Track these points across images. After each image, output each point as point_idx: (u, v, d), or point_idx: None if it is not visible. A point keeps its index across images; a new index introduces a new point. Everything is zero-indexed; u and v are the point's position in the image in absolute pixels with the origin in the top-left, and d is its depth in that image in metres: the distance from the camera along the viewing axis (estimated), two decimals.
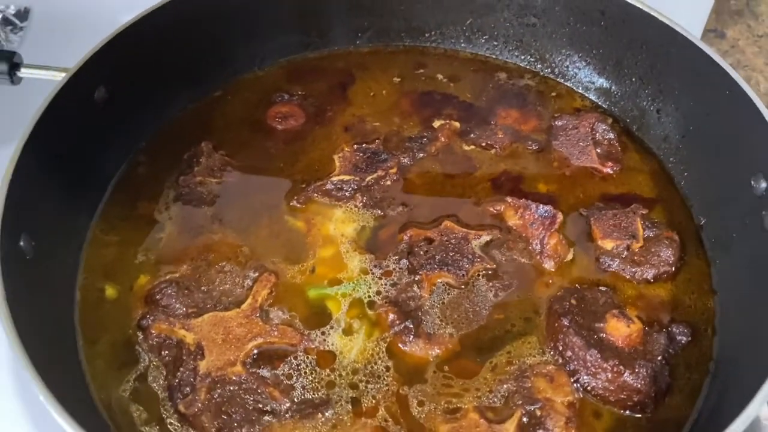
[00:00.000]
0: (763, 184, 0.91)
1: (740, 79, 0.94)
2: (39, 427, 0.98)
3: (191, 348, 0.91)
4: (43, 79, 1.04)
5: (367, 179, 1.11)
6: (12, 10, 1.57)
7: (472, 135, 1.18)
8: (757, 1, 1.72)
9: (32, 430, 0.98)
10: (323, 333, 0.94)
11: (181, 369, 0.90)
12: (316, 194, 1.09)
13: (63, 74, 1.01)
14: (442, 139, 1.18)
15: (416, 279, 0.99)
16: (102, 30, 1.07)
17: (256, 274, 0.99)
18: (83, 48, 1.03)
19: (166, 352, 0.92)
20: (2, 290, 0.79)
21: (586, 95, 1.24)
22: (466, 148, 1.17)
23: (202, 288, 0.98)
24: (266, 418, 0.86)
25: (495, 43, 1.30)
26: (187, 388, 0.88)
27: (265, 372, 0.90)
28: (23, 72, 1.04)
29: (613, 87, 1.20)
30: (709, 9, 1.44)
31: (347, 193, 1.09)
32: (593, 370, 0.88)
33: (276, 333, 0.93)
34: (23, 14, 1.57)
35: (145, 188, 1.11)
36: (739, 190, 0.95)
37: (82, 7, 1.50)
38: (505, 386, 0.88)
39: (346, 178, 1.11)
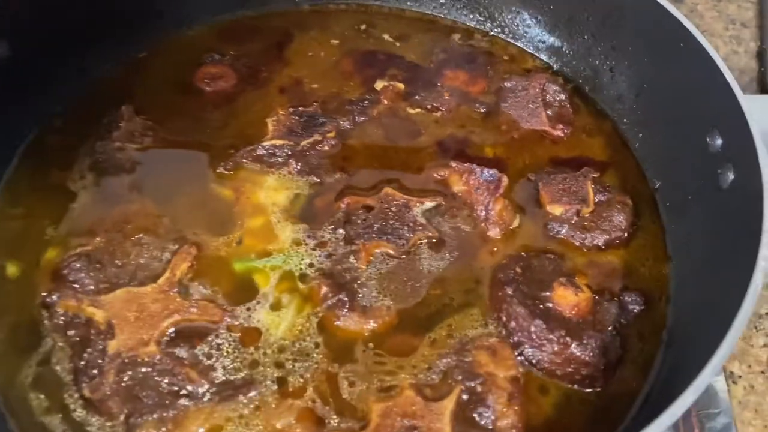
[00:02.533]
0: (719, 141, 0.85)
1: (695, 29, 0.88)
2: None
3: (101, 327, 0.83)
4: None
5: (303, 144, 1.02)
6: None
7: (417, 97, 1.10)
8: None
9: None
10: (248, 309, 0.86)
11: (89, 350, 0.82)
12: (245, 160, 1.01)
13: None
14: (385, 102, 1.10)
15: (353, 249, 0.91)
16: None
17: (176, 247, 0.90)
18: None
19: (73, 331, 0.84)
20: None
21: (537, 55, 1.17)
22: (411, 111, 1.09)
23: (116, 262, 0.89)
24: (182, 401, 0.78)
25: (442, 1, 1.22)
26: (94, 371, 0.80)
27: (182, 352, 0.82)
28: None
29: (564, 45, 1.14)
30: None
31: (280, 159, 1.01)
32: (538, 341, 0.81)
33: (195, 309, 0.85)
34: None
35: (58, 156, 1.01)
36: (695, 149, 0.89)
37: None
38: (444, 361, 0.81)
39: (279, 142, 1.02)
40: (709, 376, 0.63)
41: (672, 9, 0.92)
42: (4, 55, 0.96)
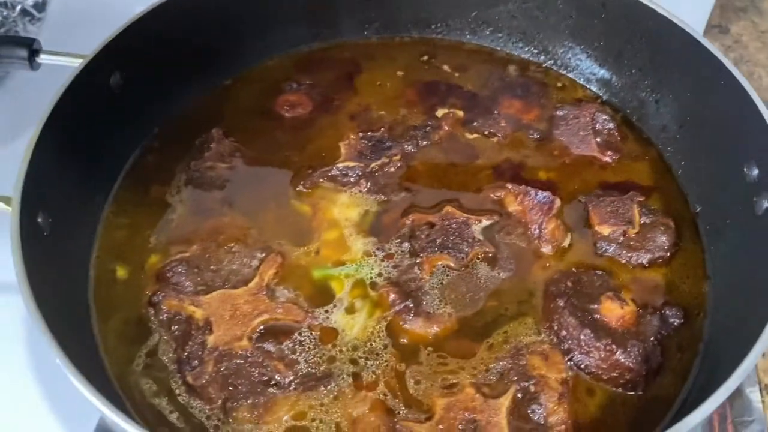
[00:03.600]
0: (755, 171, 0.94)
1: (734, 68, 0.97)
2: (56, 405, 1.03)
3: (200, 323, 0.95)
4: (61, 65, 1.08)
5: (372, 166, 1.14)
6: (30, 1, 1.62)
7: (475, 123, 1.21)
8: None
9: (49, 408, 1.02)
10: (326, 311, 0.97)
11: (190, 343, 0.94)
12: (321, 179, 1.13)
13: (80, 60, 1.04)
14: (446, 128, 1.21)
15: (417, 261, 1.02)
16: (115, 21, 1.10)
17: (263, 255, 1.02)
18: (98, 38, 1.07)
19: (176, 327, 0.96)
20: (21, 261, 0.83)
21: (588, 86, 1.26)
22: (469, 136, 1.20)
23: (211, 267, 1.01)
24: (271, 390, 0.90)
25: (499, 35, 1.32)
26: (196, 361, 0.92)
27: (270, 347, 0.93)
28: (42, 58, 1.08)
29: (613, 78, 1.23)
30: (711, 3, 1.46)
31: (352, 179, 1.12)
32: (586, 349, 0.90)
33: (281, 310, 0.96)
34: (41, 5, 1.61)
35: (157, 172, 1.14)
36: (733, 178, 0.98)
37: None
38: (501, 363, 0.91)
39: (351, 164, 1.14)
40: (736, 381, 0.71)
41: (714, 49, 1.01)
42: (118, 84, 1.10)
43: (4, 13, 1.64)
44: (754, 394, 1.03)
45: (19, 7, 1.62)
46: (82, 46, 1.07)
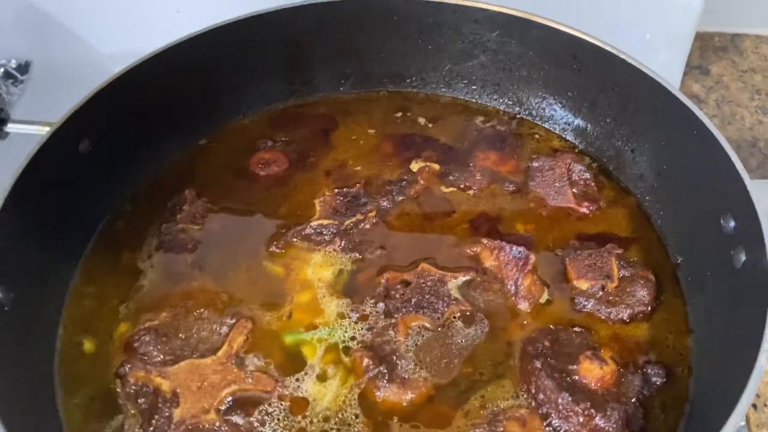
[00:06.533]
0: (732, 223, 0.91)
1: (706, 118, 0.95)
2: None
3: (167, 395, 0.92)
4: (31, 133, 1.08)
5: (346, 223, 1.12)
6: (13, 63, 1.63)
7: (450, 177, 1.20)
8: (741, 37, 1.74)
9: None
10: (297, 379, 0.94)
11: (156, 416, 0.90)
12: (295, 239, 1.11)
13: (47, 128, 1.04)
14: (422, 182, 1.19)
15: (392, 322, 0.99)
16: (98, 81, 1.10)
17: (233, 321, 1.00)
18: (80, 99, 1.06)
19: (143, 399, 0.93)
20: None
21: (564, 136, 1.25)
22: (445, 190, 1.18)
23: (180, 335, 0.99)
24: None
25: (473, 87, 1.32)
26: None
27: (238, 419, 0.90)
28: (10, 127, 1.07)
29: (588, 127, 1.22)
30: (689, 45, 1.46)
31: (326, 237, 1.11)
32: (565, 413, 0.87)
33: (250, 380, 0.93)
34: (24, 68, 1.63)
35: (129, 237, 1.12)
36: (711, 229, 0.95)
37: (79, 60, 1.57)
38: (477, 431, 0.88)
39: (325, 222, 1.12)
40: None
41: (684, 99, 1.00)
42: (86, 150, 1.09)
43: None
44: None
45: (1, 70, 1.63)
46: (64, 108, 1.05)
